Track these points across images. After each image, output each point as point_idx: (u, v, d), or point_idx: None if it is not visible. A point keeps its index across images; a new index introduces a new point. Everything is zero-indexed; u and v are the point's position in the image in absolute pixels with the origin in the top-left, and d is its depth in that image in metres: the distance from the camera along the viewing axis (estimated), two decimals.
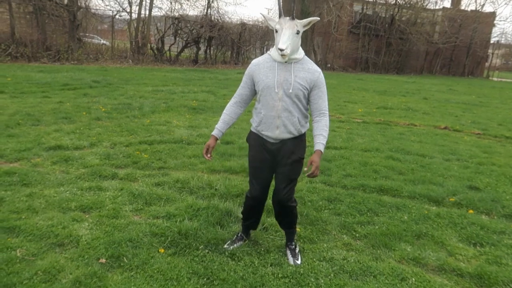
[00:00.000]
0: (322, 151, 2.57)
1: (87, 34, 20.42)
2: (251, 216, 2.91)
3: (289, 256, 2.83)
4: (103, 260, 2.64)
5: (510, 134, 7.84)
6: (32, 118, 6.23)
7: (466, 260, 2.98)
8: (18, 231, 2.92)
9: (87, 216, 3.26)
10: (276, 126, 2.57)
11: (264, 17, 2.63)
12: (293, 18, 2.42)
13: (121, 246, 2.80)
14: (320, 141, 2.59)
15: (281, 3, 2.55)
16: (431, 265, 2.89)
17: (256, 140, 2.70)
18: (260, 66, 2.59)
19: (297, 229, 3.19)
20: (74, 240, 2.86)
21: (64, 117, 6.49)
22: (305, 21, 2.46)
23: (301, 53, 2.55)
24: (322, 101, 2.60)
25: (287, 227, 2.88)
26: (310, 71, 2.55)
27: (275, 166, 2.71)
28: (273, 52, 2.56)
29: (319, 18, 2.74)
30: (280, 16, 2.47)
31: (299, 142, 2.69)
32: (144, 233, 3.00)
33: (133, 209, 3.45)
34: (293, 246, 2.89)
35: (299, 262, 2.80)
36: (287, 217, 2.80)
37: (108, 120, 6.62)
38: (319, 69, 2.60)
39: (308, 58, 2.62)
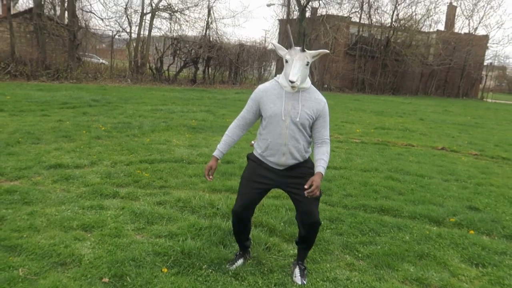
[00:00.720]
0: (323, 173, 2.60)
1: (86, 53, 20.63)
2: (239, 233, 2.90)
3: (298, 275, 2.82)
4: (106, 280, 2.62)
5: (506, 155, 7.91)
6: (32, 137, 6.24)
7: (469, 281, 2.99)
8: (19, 250, 2.90)
9: (89, 235, 3.24)
10: (282, 153, 2.60)
11: (274, 46, 2.67)
12: (303, 50, 2.48)
13: (124, 265, 2.78)
14: (321, 164, 2.62)
15: (291, 35, 2.61)
16: (434, 285, 2.89)
17: (256, 163, 2.73)
18: (268, 92, 2.62)
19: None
20: (77, 259, 2.84)
21: (64, 136, 6.50)
22: (315, 52, 2.53)
23: (308, 82, 2.60)
24: (324, 130, 2.66)
25: (309, 246, 2.88)
26: (317, 101, 2.60)
27: (268, 191, 2.76)
28: (281, 79, 2.60)
29: (328, 51, 2.81)
30: (290, 46, 2.51)
31: (307, 163, 2.71)
32: (147, 252, 2.99)
33: (135, 228, 3.43)
34: (303, 267, 2.89)
35: (305, 282, 2.79)
36: (314, 237, 2.81)
37: (108, 139, 6.64)
38: (324, 99, 2.67)
39: (314, 87, 2.68)
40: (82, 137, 6.54)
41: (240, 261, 2.93)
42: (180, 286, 2.60)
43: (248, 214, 2.79)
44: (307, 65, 2.49)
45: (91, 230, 3.33)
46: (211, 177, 2.73)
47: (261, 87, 2.68)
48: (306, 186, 2.51)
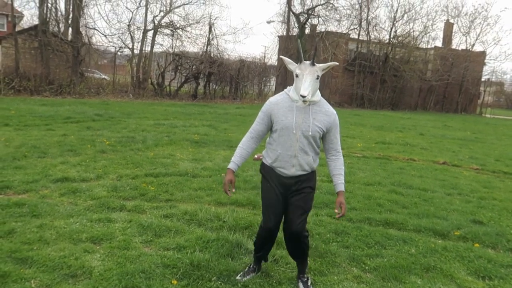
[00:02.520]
0: (344, 191, 2.72)
1: (89, 69, 20.86)
2: (264, 248, 2.94)
3: None
4: None
5: (508, 169, 7.97)
6: (38, 151, 6.29)
7: None
8: (30, 262, 2.93)
9: (98, 247, 3.27)
10: (292, 164, 2.65)
11: (284, 60, 2.71)
12: (313, 64, 2.52)
13: (134, 277, 2.80)
14: (341, 181, 2.73)
15: (301, 48, 2.68)
16: None
17: (269, 173, 2.76)
18: (279, 105, 2.64)
19: (307, 262, 3.21)
20: (87, 271, 2.86)
21: (70, 150, 6.55)
22: (325, 65, 2.57)
23: (318, 95, 2.63)
24: (337, 141, 2.74)
25: (299, 257, 2.90)
26: (328, 113, 2.65)
27: (287, 198, 2.77)
28: (291, 92, 2.64)
29: (337, 63, 2.88)
30: (300, 61, 2.56)
31: (311, 175, 2.77)
32: (156, 264, 3.01)
33: (143, 241, 3.46)
34: (305, 279, 2.90)
35: None
36: (299, 248, 2.82)
37: (113, 153, 6.69)
38: (335, 111, 2.72)
39: (324, 100, 2.70)
40: (87, 151, 6.59)
41: (251, 275, 2.95)
42: None
43: (279, 226, 2.81)
44: (317, 78, 2.54)
45: (100, 243, 3.35)
46: (233, 190, 2.75)
47: (272, 99, 2.73)
48: (336, 211, 2.68)
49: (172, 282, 2.81)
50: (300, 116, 2.60)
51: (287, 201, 2.76)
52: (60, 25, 18.31)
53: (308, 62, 2.54)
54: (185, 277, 2.88)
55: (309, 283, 2.89)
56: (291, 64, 2.63)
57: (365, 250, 3.59)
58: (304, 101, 2.54)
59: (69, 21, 17.94)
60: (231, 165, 2.75)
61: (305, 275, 2.92)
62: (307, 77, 2.50)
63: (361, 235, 3.89)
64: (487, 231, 4.19)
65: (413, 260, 3.43)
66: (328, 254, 3.45)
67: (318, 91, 2.65)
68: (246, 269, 2.99)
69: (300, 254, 2.87)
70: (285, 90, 2.73)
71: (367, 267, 3.29)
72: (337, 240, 3.76)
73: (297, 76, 2.55)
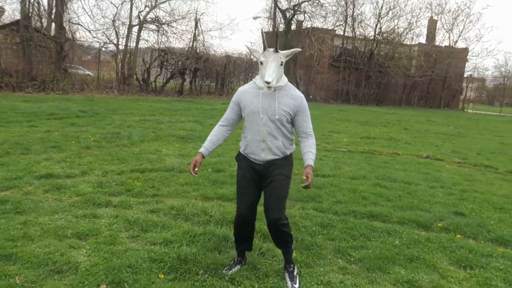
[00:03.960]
0: (313, 165, 2.71)
1: (72, 65, 20.52)
2: (242, 237, 2.96)
3: (287, 279, 2.88)
4: (104, 286, 2.63)
5: (489, 163, 8.15)
6: (21, 147, 6.19)
7: (458, 282, 3.08)
8: (15, 258, 2.89)
9: (84, 243, 3.25)
10: (261, 149, 2.71)
11: (248, 49, 2.82)
12: (277, 51, 2.60)
13: (121, 272, 2.80)
14: (310, 157, 2.73)
15: (265, 37, 2.73)
16: (425, 287, 2.97)
17: (243, 161, 2.85)
18: (247, 93, 2.76)
19: (294, 254, 3.25)
20: (73, 267, 2.85)
21: (54, 146, 6.46)
22: (288, 52, 2.66)
23: (284, 80, 2.71)
24: (306, 123, 2.77)
25: (282, 245, 2.92)
26: (293, 97, 2.71)
27: (262, 186, 2.83)
28: (258, 80, 2.72)
29: (300, 49, 2.95)
30: (264, 49, 2.63)
31: (287, 162, 2.81)
32: (143, 259, 3.01)
33: (130, 236, 3.45)
34: (291, 269, 2.94)
35: (297, 285, 2.84)
36: (280, 235, 2.84)
37: (98, 149, 6.62)
38: (301, 95, 2.77)
39: (291, 85, 2.78)
40: (71, 147, 6.51)
41: (237, 267, 2.98)
42: None
43: (252, 215, 2.86)
44: (281, 65, 2.61)
45: (85, 238, 3.33)
46: (196, 169, 2.78)
47: (240, 88, 2.84)
48: (303, 177, 2.64)
49: (159, 276, 2.81)
50: (266, 101, 2.67)
51: (263, 189, 2.82)
52: (43, 20, 17.92)
53: (271, 49, 2.61)
54: (172, 271, 2.89)
55: (294, 273, 2.93)
56: (255, 52, 2.71)
57: (350, 242, 3.65)
58: (269, 87, 2.59)
59: (52, 16, 17.59)
60: (201, 149, 2.84)
61: (291, 265, 2.95)
62: (271, 64, 2.56)
63: (347, 228, 3.94)
64: (468, 222, 4.30)
65: (397, 251, 3.50)
66: (314, 247, 3.49)
67: (284, 76, 2.72)
68: (232, 263, 3.02)
69: (282, 242, 2.88)
70: (253, 79, 2.81)
71: (352, 259, 3.34)
72: (323, 233, 3.81)
73: (261, 63, 2.61)
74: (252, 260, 3.12)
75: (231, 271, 2.92)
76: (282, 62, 2.60)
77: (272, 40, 25.44)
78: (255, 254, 3.21)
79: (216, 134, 2.86)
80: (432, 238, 3.84)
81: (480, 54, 42.55)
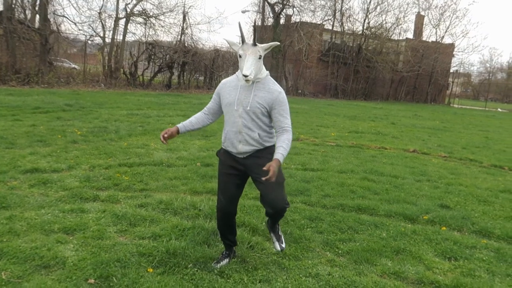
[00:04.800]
0: (281, 160, 2.60)
1: (57, 58, 20.18)
2: (223, 229, 2.97)
3: (274, 240, 2.99)
4: (92, 281, 2.62)
5: (473, 157, 8.29)
6: (5, 141, 6.08)
7: (443, 273, 3.15)
8: (0, 254, 2.85)
9: (71, 237, 3.22)
10: (238, 140, 2.72)
11: (227, 42, 2.81)
12: (255, 44, 2.60)
13: (109, 266, 2.78)
14: (279, 151, 2.62)
15: (242, 30, 2.73)
16: (411, 278, 3.03)
17: (224, 155, 2.86)
18: (227, 85, 2.79)
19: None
20: (60, 262, 2.82)
21: (39, 140, 6.37)
22: (266, 45, 2.65)
23: (263, 73, 2.70)
24: (283, 118, 2.70)
25: (277, 220, 2.96)
26: (270, 90, 2.69)
27: (245, 180, 2.86)
28: (239, 73, 2.73)
29: (279, 43, 2.94)
30: (243, 42, 2.62)
31: (267, 150, 2.76)
32: (131, 253, 3.00)
33: (118, 230, 3.43)
34: (277, 230, 3.01)
35: (284, 245, 3.00)
36: (280, 217, 2.88)
37: (85, 143, 6.54)
38: (279, 89, 2.73)
39: (271, 78, 2.76)
40: (57, 142, 6.42)
41: (225, 260, 2.99)
42: (167, 285, 2.63)
43: (232, 209, 2.87)
44: (259, 58, 2.60)
45: (73, 233, 3.30)
46: (166, 136, 2.80)
47: (223, 80, 2.87)
48: (264, 168, 2.55)
49: (148, 270, 2.81)
50: (243, 94, 2.69)
51: (255, 183, 2.81)
52: (27, 12, 17.56)
53: (250, 42, 2.60)
54: (161, 265, 2.89)
55: (281, 236, 3.02)
56: (234, 46, 2.71)
57: (338, 235, 3.69)
58: (247, 80, 2.59)
59: (36, 8, 17.24)
60: (179, 125, 2.90)
61: (277, 227, 3.01)
62: (249, 57, 2.56)
63: (335, 221, 3.98)
64: (453, 215, 4.38)
65: (384, 243, 3.55)
66: (302, 240, 3.52)
67: (265, 70, 2.72)
68: (220, 256, 3.03)
69: (279, 218, 2.93)
70: (236, 72, 2.82)
71: (340, 251, 3.38)
72: (311, 226, 3.84)
73: (240, 56, 2.61)
74: (241, 254, 3.14)
75: (220, 265, 2.94)
76: (260, 55, 2.60)
77: (262, 34, 25.39)
78: (244, 248, 3.22)
79: (197, 118, 2.93)
80: (418, 230, 3.90)
81: (466, 50, 43.18)
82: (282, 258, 3.15)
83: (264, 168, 2.54)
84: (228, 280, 2.78)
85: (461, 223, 4.18)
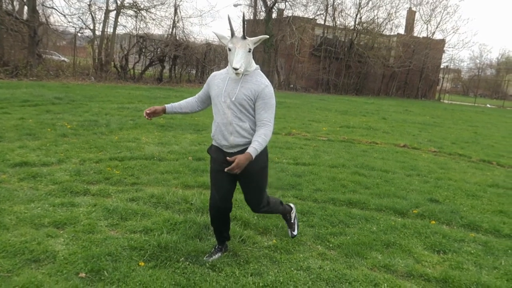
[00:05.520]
0: (252, 155, 2.56)
1: (46, 51, 19.89)
2: (218, 226, 2.97)
3: (287, 227, 3.19)
4: (83, 275, 2.60)
5: (463, 152, 8.39)
6: None
7: (432, 266, 3.19)
8: None
9: (61, 231, 3.20)
10: (229, 132, 2.70)
11: (217, 35, 2.81)
12: (244, 37, 2.59)
13: (100, 260, 2.77)
14: (253, 146, 2.58)
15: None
16: (400, 271, 3.07)
17: (216, 152, 2.84)
18: (216, 77, 2.82)
19: (274, 241, 3.30)
20: (51, 256, 2.80)
21: (28, 134, 6.29)
22: (256, 39, 2.66)
23: (252, 67, 2.71)
24: (264, 112, 2.66)
25: (273, 213, 3.10)
26: (257, 83, 2.68)
27: (236, 176, 2.80)
28: (229, 66, 2.73)
29: (268, 36, 2.95)
30: (232, 35, 2.62)
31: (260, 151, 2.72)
32: (122, 247, 2.99)
33: (109, 224, 3.42)
34: (288, 217, 3.20)
35: (295, 232, 3.22)
36: (268, 214, 2.96)
37: (75, 137, 6.48)
38: (267, 83, 2.71)
39: (260, 72, 2.76)
40: (47, 135, 6.35)
41: (218, 255, 3.00)
42: (158, 279, 2.63)
43: (227, 205, 2.86)
44: (249, 51, 2.61)
45: (63, 227, 3.28)
46: (149, 112, 2.86)
47: (214, 72, 2.91)
48: (229, 159, 2.54)
49: (139, 264, 2.81)
50: (230, 85, 2.70)
51: (239, 181, 2.85)
52: (15, 3, 17.26)
53: (239, 36, 2.61)
54: (152, 259, 2.89)
55: (292, 220, 3.28)
56: (223, 39, 2.71)
57: (329, 228, 3.71)
58: (237, 73, 2.60)
59: None
60: (167, 104, 2.95)
61: (287, 215, 3.22)
62: (239, 51, 2.57)
63: (326, 215, 4.01)
64: (442, 209, 4.43)
65: (374, 237, 3.59)
66: None
67: (254, 63, 2.73)
68: (212, 250, 3.04)
69: (272, 213, 3.06)
70: (228, 65, 2.81)
71: (331, 245, 3.41)
72: (303, 220, 3.86)
73: (229, 49, 2.62)
74: (232, 247, 3.14)
75: (211, 258, 2.94)
76: (250, 48, 2.60)
77: (254, 28, 25.29)
78: (236, 241, 3.23)
79: (187, 101, 3.01)
80: (408, 224, 3.94)
81: (456, 46, 43.26)
82: (274, 251, 3.17)
83: (229, 159, 2.54)
84: (220, 274, 2.79)
85: (450, 217, 4.24)
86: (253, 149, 2.57)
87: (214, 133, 2.79)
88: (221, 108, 2.71)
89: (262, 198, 2.85)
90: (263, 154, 2.79)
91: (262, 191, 2.86)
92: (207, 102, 2.98)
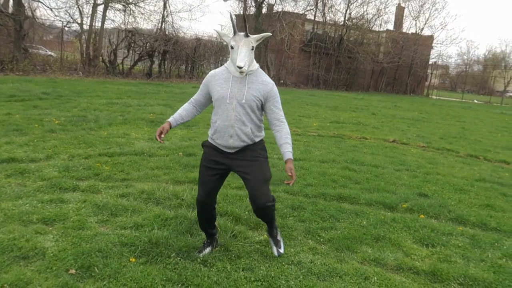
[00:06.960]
0: (292, 158, 2.72)
1: (33, 45, 19.57)
2: (203, 221, 2.95)
3: (272, 245, 3.05)
4: (73, 271, 2.58)
5: (450, 147, 8.50)
6: None
7: (421, 259, 3.23)
8: None
9: (50, 228, 3.16)
10: (230, 135, 2.67)
11: (218, 33, 2.76)
12: (247, 35, 2.56)
13: (90, 256, 2.75)
14: (287, 149, 2.72)
15: (235, 21, 2.69)
16: (390, 264, 3.10)
17: (210, 149, 2.81)
18: (216, 77, 2.71)
19: (265, 236, 3.30)
20: (40, 253, 2.77)
21: (15, 129, 6.20)
22: (258, 36, 2.63)
23: (255, 65, 2.69)
24: (277, 110, 2.74)
25: (267, 222, 2.97)
26: (264, 83, 2.68)
27: (225, 176, 2.84)
28: (229, 65, 2.68)
29: (271, 34, 2.94)
30: (234, 33, 2.59)
31: (255, 146, 2.77)
32: (113, 243, 2.97)
33: (99, 221, 3.39)
34: (274, 238, 3.05)
35: (282, 251, 3.03)
36: (267, 216, 2.88)
37: (63, 133, 6.40)
38: (272, 82, 2.75)
39: (262, 70, 2.76)
40: (34, 131, 6.26)
41: (208, 249, 2.99)
42: (150, 274, 2.62)
43: (211, 201, 2.85)
44: (252, 49, 2.59)
45: (52, 224, 3.24)
46: (162, 136, 2.77)
47: (211, 72, 2.80)
48: (288, 174, 2.67)
49: (130, 260, 2.79)
50: (235, 86, 2.64)
51: (240, 175, 2.80)
52: None
53: (242, 33, 2.57)
54: (143, 255, 2.87)
55: (279, 241, 3.09)
56: (225, 37, 2.66)
57: (320, 223, 3.74)
58: (241, 72, 2.57)
59: None
60: (169, 119, 2.85)
61: (274, 231, 3.05)
62: (242, 48, 2.54)
63: (316, 210, 4.03)
64: (431, 203, 4.49)
65: (365, 231, 3.62)
66: (285, 228, 3.55)
67: (255, 61, 2.70)
68: (202, 245, 3.03)
69: (268, 220, 2.95)
70: (224, 64, 2.77)
71: (322, 239, 3.43)
72: (294, 215, 3.88)
73: (232, 48, 2.58)
74: (224, 242, 3.15)
75: (202, 253, 2.94)
76: (253, 46, 2.58)
77: (242, 23, 25.17)
78: (227, 236, 3.24)
79: (186, 110, 2.87)
80: (397, 218, 3.99)
81: (444, 42, 44.00)
82: (265, 246, 3.18)
83: (289, 174, 2.65)
84: (211, 269, 2.79)
85: (438, 211, 4.30)
86: (291, 153, 2.72)
87: (213, 132, 2.74)
88: (225, 110, 2.64)
89: (268, 191, 2.79)
90: (261, 148, 2.81)
91: (268, 184, 2.81)
92: (205, 104, 2.89)
